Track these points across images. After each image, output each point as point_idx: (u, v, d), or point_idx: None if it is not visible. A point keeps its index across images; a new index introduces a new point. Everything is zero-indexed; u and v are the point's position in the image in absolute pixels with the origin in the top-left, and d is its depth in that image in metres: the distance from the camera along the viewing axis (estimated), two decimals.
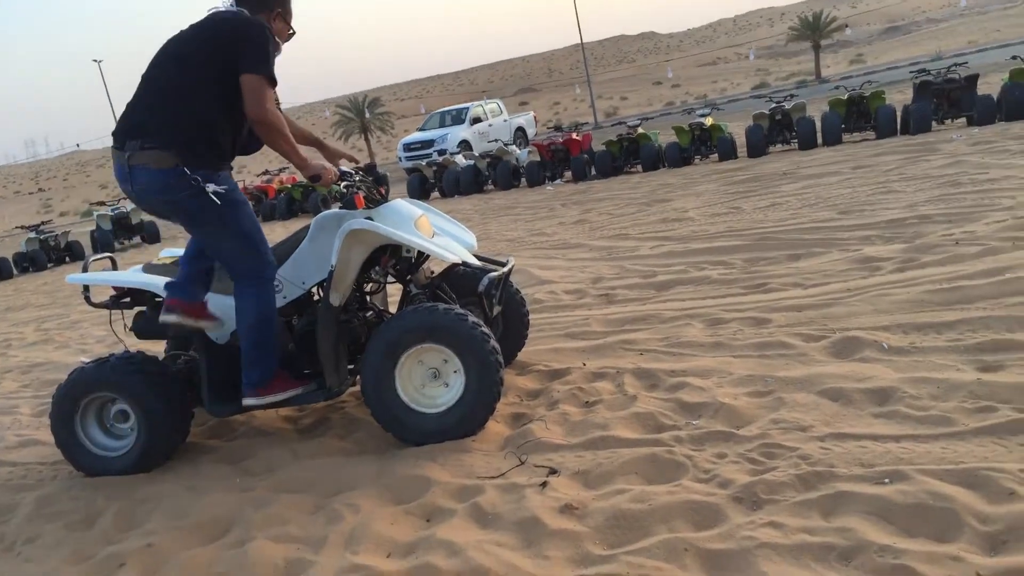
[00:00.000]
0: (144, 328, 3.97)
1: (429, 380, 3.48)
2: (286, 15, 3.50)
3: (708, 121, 15.40)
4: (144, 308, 3.97)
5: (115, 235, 19.20)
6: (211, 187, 3.23)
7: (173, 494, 3.35)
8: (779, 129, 14.81)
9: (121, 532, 3.11)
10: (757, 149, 14.36)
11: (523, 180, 17.12)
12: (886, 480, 2.56)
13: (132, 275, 3.87)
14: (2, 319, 10.48)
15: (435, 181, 18.54)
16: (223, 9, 3.39)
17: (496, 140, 20.53)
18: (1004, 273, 4.49)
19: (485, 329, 3.39)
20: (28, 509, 3.42)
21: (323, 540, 2.76)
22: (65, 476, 3.77)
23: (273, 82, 3.21)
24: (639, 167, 15.85)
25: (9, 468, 4.02)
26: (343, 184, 3.51)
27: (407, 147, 26.25)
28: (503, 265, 4.00)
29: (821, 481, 2.63)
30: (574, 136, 17.03)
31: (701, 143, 15.39)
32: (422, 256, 3.84)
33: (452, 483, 3.05)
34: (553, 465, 3.08)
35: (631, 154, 16.03)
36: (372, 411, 3.47)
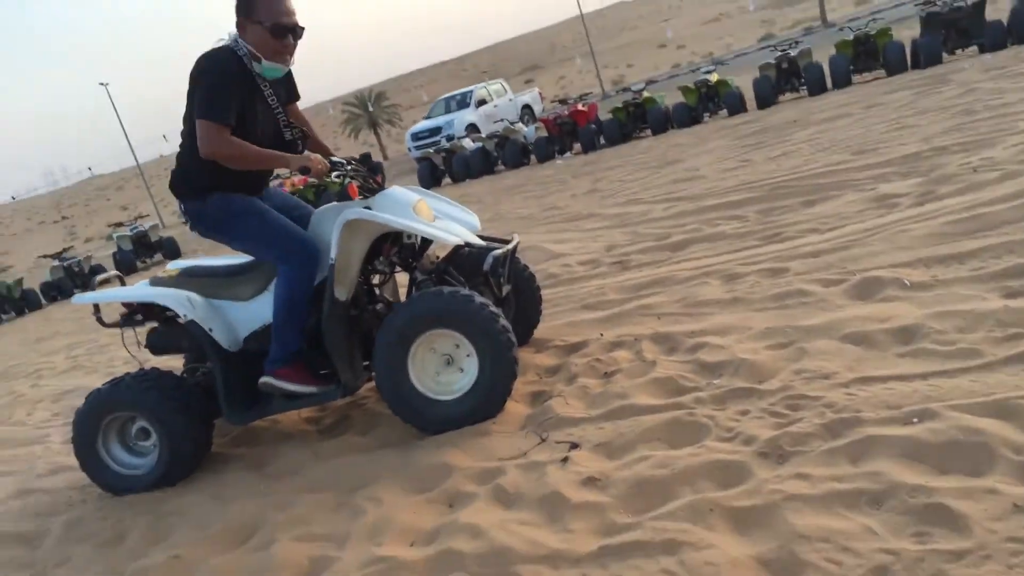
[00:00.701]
0: (158, 343, 3.96)
1: (443, 367, 3.42)
2: (271, 27, 3.31)
3: (713, 77, 15.16)
4: (157, 323, 3.96)
5: (136, 254, 19.39)
6: (191, 207, 3.52)
7: (198, 505, 3.34)
8: (787, 77, 14.54)
9: (149, 546, 3.10)
10: (766, 100, 14.12)
11: (532, 157, 17.00)
12: (915, 420, 2.47)
13: (139, 290, 3.82)
14: (33, 350, 10.62)
15: (445, 167, 18.47)
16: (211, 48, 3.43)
17: (503, 120, 20.39)
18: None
19: (493, 308, 3.32)
20: (58, 533, 3.43)
21: (347, 535, 2.73)
22: (94, 499, 3.78)
23: (218, 121, 3.25)
24: (648, 131, 15.66)
25: (40, 495, 4.04)
26: (335, 175, 3.44)
27: (415, 136, 26.18)
28: (508, 243, 3.92)
29: (847, 428, 2.54)
30: (579, 107, 16.85)
31: (709, 100, 15.16)
32: (425, 242, 3.79)
33: (474, 467, 3.00)
34: (574, 439, 3.03)
35: (639, 119, 15.84)
36: (389, 404, 3.43)
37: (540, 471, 2.81)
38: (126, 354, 7.81)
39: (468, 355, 3.35)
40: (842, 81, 13.51)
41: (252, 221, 3.48)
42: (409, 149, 26.68)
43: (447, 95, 29.25)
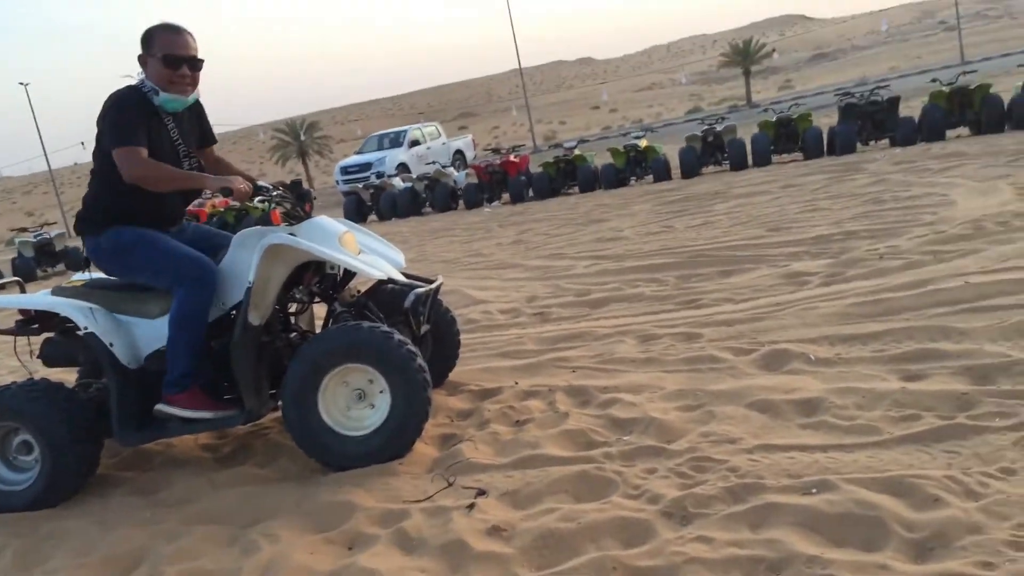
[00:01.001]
0: (52, 354, 3.77)
1: (355, 401, 3.35)
2: (163, 58, 3.40)
3: (643, 143, 15.62)
4: (52, 334, 3.75)
5: (37, 262, 18.48)
6: (89, 243, 3.51)
7: (80, 529, 3.14)
8: (711, 151, 15.12)
9: (21, 572, 2.90)
10: (690, 170, 14.63)
11: (461, 202, 17.09)
12: (813, 490, 2.54)
13: (39, 298, 3.64)
14: None
15: (372, 204, 18.37)
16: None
17: (434, 163, 20.48)
18: (926, 285, 4.59)
19: (412, 347, 3.29)
20: None
21: (237, 572, 2.61)
22: None
23: (133, 144, 3.29)
24: (576, 189, 15.98)
25: None
26: (258, 199, 3.38)
27: (344, 170, 26.01)
28: (431, 283, 3.91)
29: (750, 493, 2.59)
30: (512, 158, 17.09)
31: (636, 164, 15.60)
32: (347, 274, 3.73)
33: (376, 508, 2.93)
34: (482, 486, 2.99)
35: (568, 175, 16.17)
36: (293, 436, 3.33)
37: (445, 516, 2.76)
38: (13, 363, 7.42)
39: (381, 391, 3.30)
40: (762, 159, 14.13)
41: (142, 250, 3.45)
42: (337, 182, 26.47)
43: (381, 132, 29.30)
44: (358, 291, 3.85)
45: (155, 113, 3.45)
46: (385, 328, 3.30)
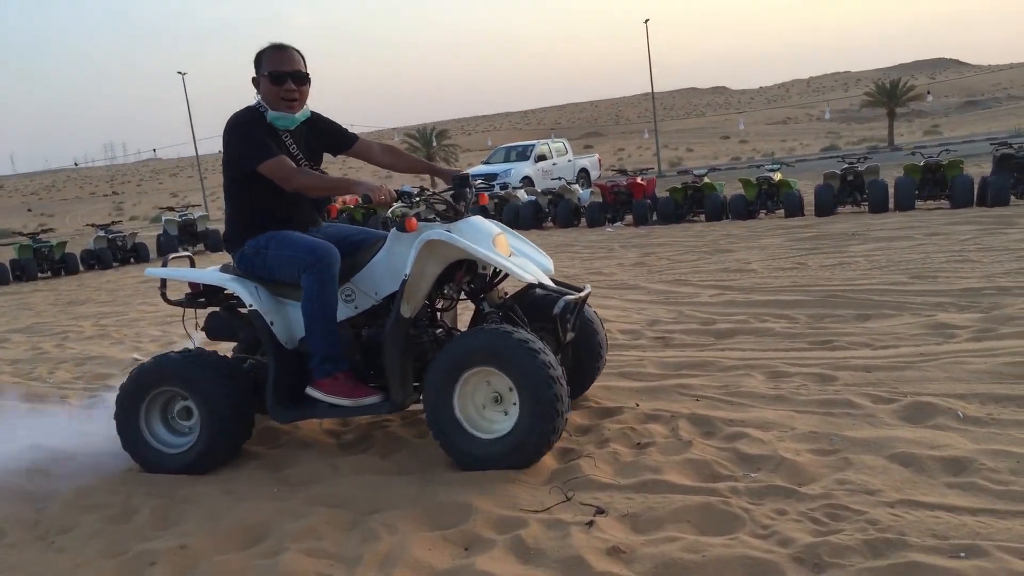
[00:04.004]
0: (216, 327, 3.97)
1: (491, 403, 3.37)
2: (269, 75, 3.58)
3: (777, 176, 15.17)
4: (218, 308, 3.97)
5: (180, 240, 19.65)
6: (236, 257, 3.73)
7: (211, 496, 3.30)
8: (849, 190, 14.50)
9: (156, 530, 3.06)
10: (825, 208, 14.08)
11: (583, 220, 17.06)
12: (962, 554, 2.37)
13: (210, 273, 3.85)
14: (64, 312, 10.74)
15: (495, 214, 18.61)
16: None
17: (560, 178, 20.56)
18: None
19: (555, 370, 3.22)
20: (66, 498, 3.40)
21: (358, 559, 2.66)
22: (108, 469, 3.75)
23: (275, 156, 3.49)
24: (702, 216, 15.66)
25: (52, 457, 4.01)
26: (398, 205, 3.45)
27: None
28: (580, 291, 3.86)
29: (891, 549, 2.44)
30: (638, 180, 16.94)
31: (768, 197, 15.15)
32: (497, 275, 3.75)
33: (494, 513, 2.93)
34: (600, 504, 2.95)
35: (695, 202, 15.86)
36: (429, 426, 3.38)
37: (563, 530, 2.74)
38: (154, 332, 7.92)
39: (515, 402, 3.28)
40: (906, 204, 13.44)
41: (273, 247, 3.61)
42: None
43: (509, 144, 29.68)
44: (506, 293, 3.85)
45: (274, 131, 3.63)
46: (525, 335, 3.26)
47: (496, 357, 3.24)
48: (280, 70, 3.59)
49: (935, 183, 13.71)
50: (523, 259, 3.75)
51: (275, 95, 3.61)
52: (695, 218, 15.90)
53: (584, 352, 4.08)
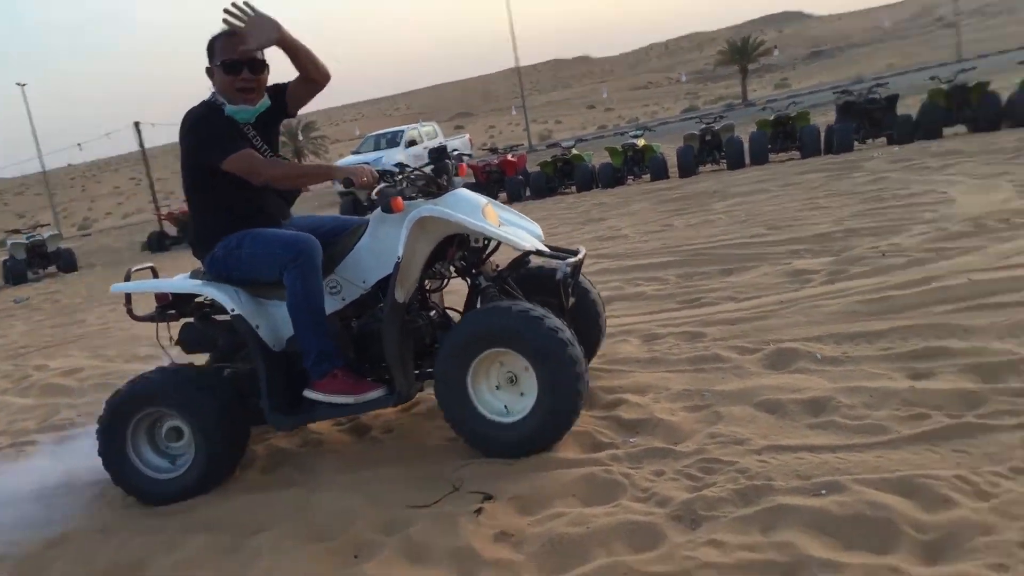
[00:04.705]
0: (192, 339, 3.70)
1: (507, 384, 3.21)
2: (222, 65, 3.28)
3: (640, 142, 15.62)
4: (192, 320, 3.71)
5: (29, 264, 18.43)
6: (206, 261, 3.47)
7: (82, 535, 3.12)
8: (709, 149, 15.10)
9: None
10: (688, 169, 14.60)
11: None
12: (823, 491, 2.52)
13: (183, 282, 3.55)
14: None
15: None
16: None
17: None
18: (930, 282, 4.57)
19: (567, 335, 3.08)
20: None
21: None
22: None
23: (239, 150, 3.24)
24: (574, 188, 15.96)
25: None
26: (382, 186, 3.23)
27: None
28: (575, 254, 3.64)
29: (759, 495, 2.57)
30: (509, 158, 17.06)
31: (634, 164, 15.58)
32: (488, 247, 3.58)
33: (381, 515, 2.89)
34: (488, 491, 2.96)
35: (565, 175, 16.15)
36: (446, 417, 3.25)
37: (451, 522, 2.73)
38: (143, 351, 7.19)
39: (531, 380, 3.13)
40: (760, 158, 14.11)
41: (247, 245, 3.36)
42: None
43: (378, 132, 29.21)
44: (497, 265, 3.70)
45: (233, 123, 3.34)
46: (539, 311, 3.11)
47: (509, 336, 3.08)
48: (233, 58, 3.26)
49: (786, 135, 14.45)
50: (514, 228, 3.57)
51: (230, 86, 3.30)
52: (567, 190, 16.18)
53: (582, 317, 3.85)
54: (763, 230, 7.39)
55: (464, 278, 3.59)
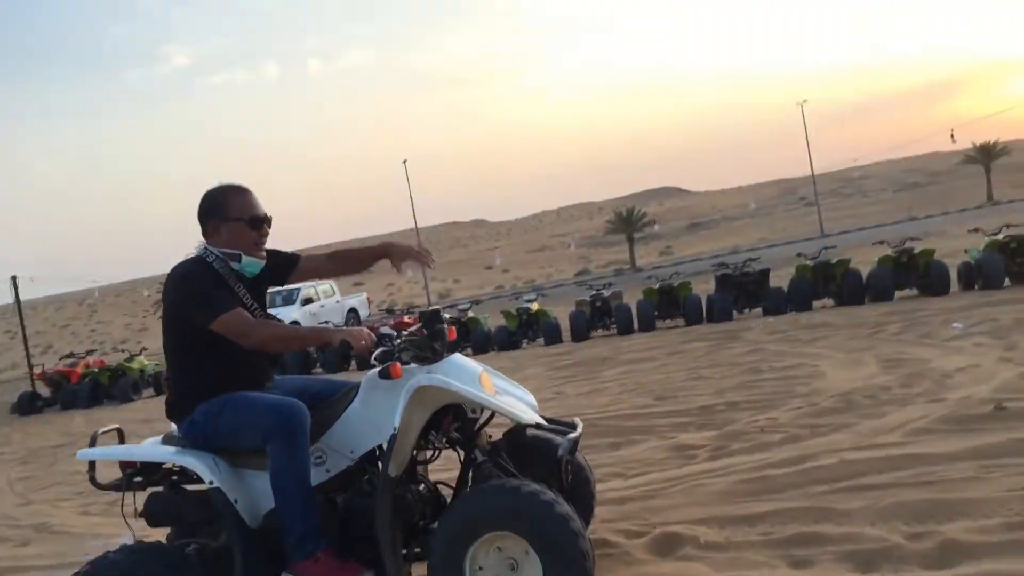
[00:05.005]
0: (159, 511, 3.31)
1: (506, 571, 2.97)
2: (249, 220, 3.31)
3: (534, 306, 16.05)
4: (160, 489, 3.35)
5: None
6: (183, 427, 3.28)
7: None
8: (599, 315, 15.64)
9: None
10: (580, 334, 15.01)
11: (353, 363, 16.82)
12: None
13: (155, 448, 3.30)
14: None
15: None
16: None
17: (327, 321, 20.27)
18: (805, 461, 4.74)
19: (578, 525, 2.90)
20: None
21: None
22: None
23: (231, 308, 3.17)
24: (469, 349, 16.07)
25: None
26: (380, 350, 3.11)
27: None
28: (573, 428, 3.51)
29: None
30: (405, 319, 17.12)
31: (528, 327, 15.92)
32: (481, 417, 3.38)
33: None
34: None
35: (461, 337, 16.26)
36: None
37: None
38: (73, 525, 6.37)
39: (536, 567, 2.90)
40: (648, 325, 14.69)
41: (229, 410, 3.18)
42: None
43: (273, 289, 28.87)
44: (490, 436, 3.49)
45: (224, 283, 3.28)
46: (549, 495, 2.93)
47: (514, 519, 2.88)
48: (259, 215, 3.33)
49: (670, 303, 15.18)
50: (510, 398, 3.41)
51: (251, 241, 3.32)
52: (463, 351, 16.26)
53: (578, 497, 3.61)
54: (651, 400, 7.58)
55: (455, 449, 3.39)
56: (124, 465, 3.35)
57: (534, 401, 3.55)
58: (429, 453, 3.46)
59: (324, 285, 29.29)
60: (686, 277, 16.29)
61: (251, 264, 3.36)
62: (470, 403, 3.15)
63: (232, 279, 3.32)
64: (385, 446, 3.05)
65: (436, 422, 3.23)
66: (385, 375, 3.04)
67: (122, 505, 3.30)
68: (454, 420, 3.29)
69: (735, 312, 14.47)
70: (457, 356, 3.34)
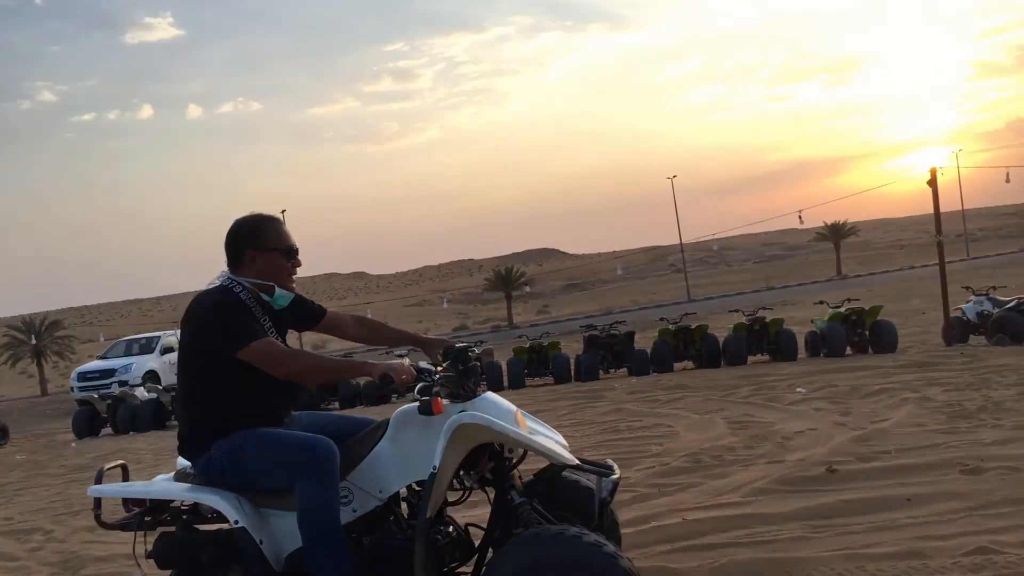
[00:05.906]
0: (169, 553, 3.10)
1: None
2: (285, 250, 3.24)
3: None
4: (172, 529, 3.15)
5: None
6: (199, 464, 3.12)
7: None
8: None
9: None
10: None
11: (366, 397, 16.10)
12: None
13: (170, 486, 3.14)
14: None
15: (108, 416, 16.75)
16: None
17: None
18: (650, 521, 4.86)
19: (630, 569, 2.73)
20: None
21: None
22: None
23: (261, 337, 3.05)
24: (336, 404, 15.72)
25: None
26: (420, 385, 2.92)
27: (82, 376, 23.78)
28: (611, 470, 3.32)
29: None
30: None
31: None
32: (516, 457, 3.21)
33: None
34: None
35: (329, 392, 15.92)
36: None
37: None
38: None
39: None
40: (517, 382, 14.87)
41: (252, 448, 3.02)
42: (72, 388, 24.05)
43: (131, 337, 27.40)
44: (521, 476, 3.29)
45: (252, 314, 3.15)
46: (611, 548, 2.74)
47: (570, 570, 2.66)
48: (293, 245, 3.27)
49: (540, 362, 15.45)
50: (543, 437, 3.22)
51: (286, 271, 3.25)
52: (329, 406, 15.87)
53: (609, 540, 3.34)
54: None
55: (484, 491, 3.27)
56: (130, 503, 3.20)
57: (564, 441, 3.43)
58: (460, 495, 3.31)
59: None
60: (558, 336, 16.63)
61: (282, 297, 3.28)
62: (510, 442, 3.04)
63: (258, 311, 3.21)
64: (416, 485, 3.00)
65: (470, 462, 3.11)
66: (426, 411, 2.90)
67: (133, 545, 3.13)
68: (490, 460, 3.15)
69: (602, 371, 14.84)
70: (491, 394, 3.23)
